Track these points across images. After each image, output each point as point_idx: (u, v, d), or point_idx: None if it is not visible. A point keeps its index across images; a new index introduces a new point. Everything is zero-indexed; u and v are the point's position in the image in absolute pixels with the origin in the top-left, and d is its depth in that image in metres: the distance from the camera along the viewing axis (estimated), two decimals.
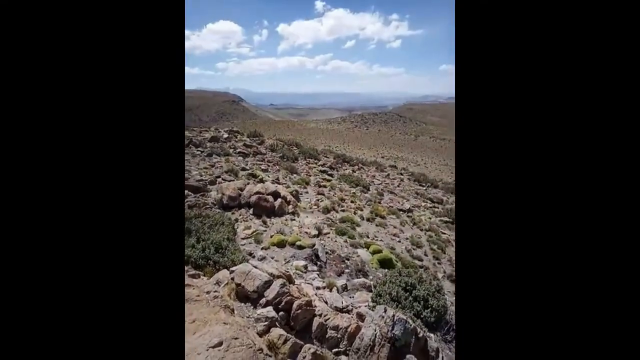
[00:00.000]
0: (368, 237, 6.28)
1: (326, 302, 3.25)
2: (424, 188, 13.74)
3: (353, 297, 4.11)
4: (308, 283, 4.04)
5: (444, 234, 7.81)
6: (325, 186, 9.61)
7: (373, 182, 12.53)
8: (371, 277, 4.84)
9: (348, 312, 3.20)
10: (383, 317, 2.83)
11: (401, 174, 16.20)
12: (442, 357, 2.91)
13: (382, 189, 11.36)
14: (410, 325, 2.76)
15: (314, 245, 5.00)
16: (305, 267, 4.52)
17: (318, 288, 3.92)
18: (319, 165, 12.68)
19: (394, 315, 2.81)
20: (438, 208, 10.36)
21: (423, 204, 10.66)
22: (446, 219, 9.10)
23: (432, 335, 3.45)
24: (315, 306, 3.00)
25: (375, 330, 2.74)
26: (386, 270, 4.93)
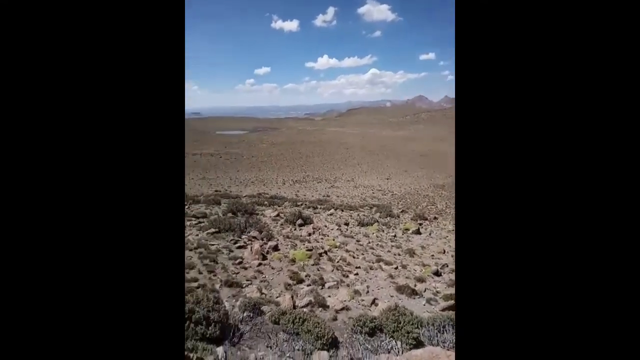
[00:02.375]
0: None
1: None
2: (186, 206, 13.31)
3: None
4: None
5: (213, 244, 8.03)
6: None
7: None
8: None
9: None
10: None
11: None
12: None
13: None
14: None
15: None
16: None
17: None
18: None
19: None
20: (204, 222, 10.46)
21: (188, 222, 10.31)
22: (212, 229, 9.37)
23: (218, 348, 3.43)
24: None
25: None
26: None
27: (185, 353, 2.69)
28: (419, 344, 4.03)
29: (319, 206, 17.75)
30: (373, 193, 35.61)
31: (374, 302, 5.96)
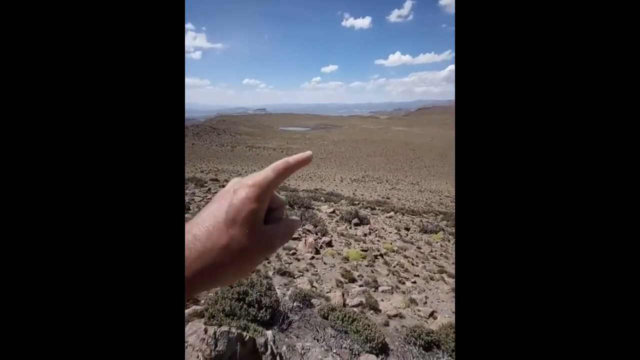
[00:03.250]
0: None
1: None
2: None
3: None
4: None
5: None
6: None
7: (193, 200, 11.59)
8: (202, 301, 4.47)
9: None
10: (204, 339, 2.63)
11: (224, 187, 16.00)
12: (271, 348, 3.06)
13: (204, 205, 10.70)
14: (234, 333, 2.72)
15: None
16: None
17: None
18: None
19: (215, 332, 2.67)
20: None
21: None
22: None
23: (268, 332, 3.58)
24: None
25: (198, 357, 2.51)
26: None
27: (236, 331, 2.86)
28: None
29: (377, 207, 17.30)
30: (440, 199, 33.17)
31: (432, 314, 5.52)
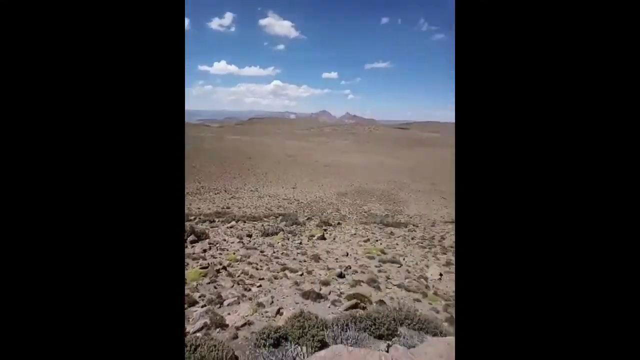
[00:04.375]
0: None
1: None
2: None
3: None
4: None
5: None
6: None
7: None
8: None
9: None
10: None
11: None
12: None
13: None
14: None
15: None
16: None
17: None
18: None
19: None
20: None
21: None
22: None
23: None
24: None
25: None
26: None
27: None
28: (323, 346, 4.13)
29: (216, 219, 16.56)
30: (279, 202, 35.75)
31: (278, 312, 5.84)
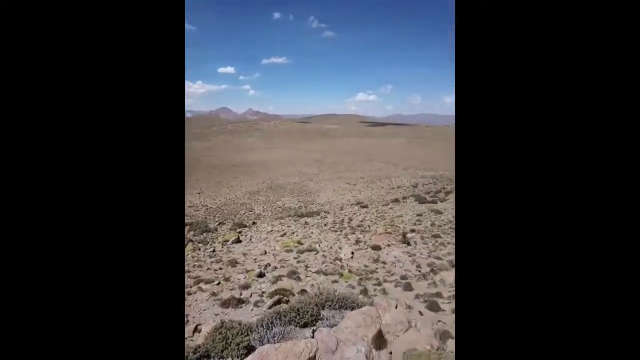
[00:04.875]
0: None
1: None
2: None
3: None
4: None
5: None
6: None
7: None
8: None
9: None
10: None
11: None
12: None
13: None
14: None
15: None
16: None
17: None
18: None
19: None
20: None
21: None
22: None
23: None
24: None
25: None
26: None
27: None
28: (250, 350, 3.99)
29: None
30: (185, 212, 32.47)
31: (196, 329, 5.35)
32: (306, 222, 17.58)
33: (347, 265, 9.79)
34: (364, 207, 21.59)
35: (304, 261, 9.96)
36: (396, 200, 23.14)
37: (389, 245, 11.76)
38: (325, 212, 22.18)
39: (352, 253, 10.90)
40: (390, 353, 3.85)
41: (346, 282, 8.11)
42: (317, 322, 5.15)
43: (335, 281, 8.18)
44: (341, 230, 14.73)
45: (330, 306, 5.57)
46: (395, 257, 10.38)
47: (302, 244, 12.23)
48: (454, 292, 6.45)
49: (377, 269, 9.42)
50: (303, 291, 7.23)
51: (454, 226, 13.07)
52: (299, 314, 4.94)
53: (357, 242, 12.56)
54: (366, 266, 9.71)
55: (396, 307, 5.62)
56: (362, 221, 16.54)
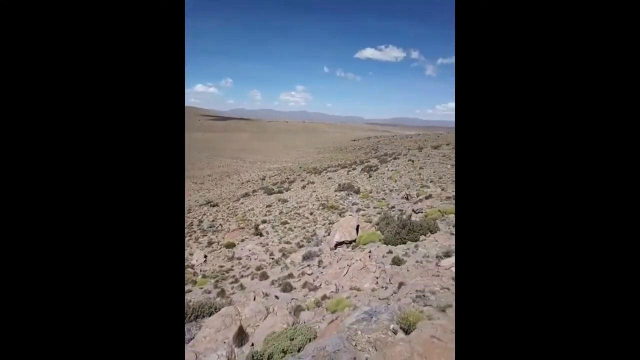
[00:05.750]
0: None
1: None
2: None
3: None
4: None
5: None
6: None
7: None
8: None
9: None
10: None
11: None
12: None
13: None
14: None
15: None
16: None
17: None
18: None
19: None
20: None
21: None
22: None
23: None
24: None
25: None
26: None
27: None
28: None
29: None
30: None
31: None
32: None
33: (201, 271, 9.17)
34: (214, 205, 20.54)
35: None
36: (246, 195, 23.32)
37: (242, 241, 11.82)
38: None
39: (205, 257, 10.27)
40: (252, 345, 4.00)
41: (201, 288, 7.62)
42: None
43: (189, 291, 7.52)
44: (191, 235, 13.50)
45: (187, 319, 5.11)
46: (250, 250, 10.59)
47: None
48: (301, 270, 7.32)
49: (232, 266, 9.31)
50: None
51: (298, 212, 14.61)
52: None
53: (210, 243, 11.91)
54: (221, 266, 9.40)
55: (254, 299, 5.82)
56: (213, 221, 15.72)
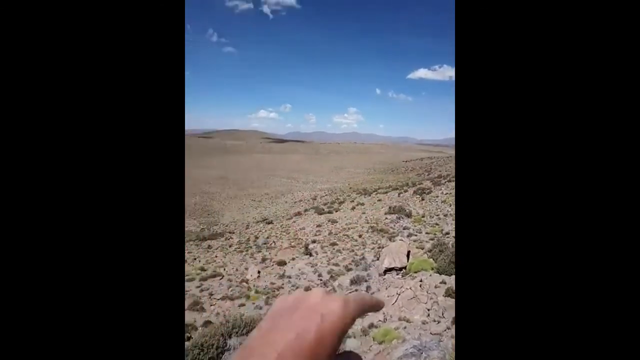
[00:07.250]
0: None
1: None
2: None
3: None
4: None
5: None
6: None
7: None
8: None
9: None
10: None
11: None
12: None
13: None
14: None
15: None
16: None
17: None
18: None
19: None
20: None
21: None
22: None
23: None
24: None
25: None
26: None
27: None
28: None
29: None
30: None
31: None
32: (209, 245, 16.24)
33: (254, 286, 9.54)
34: (269, 223, 21.47)
35: (207, 289, 9.17)
36: (298, 214, 23.93)
37: (293, 259, 12.04)
38: (230, 232, 21.01)
39: (259, 272, 10.68)
40: None
41: (253, 303, 7.89)
42: (223, 353, 4.85)
43: (243, 304, 7.85)
44: (247, 250, 14.24)
45: (237, 333, 5.32)
46: (299, 270, 10.70)
47: (205, 270, 11.23)
48: (349, 292, 7.11)
49: (283, 284, 9.49)
50: (208, 322, 6.66)
51: (347, 233, 14.43)
52: (202, 350, 4.56)
53: (264, 260, 12.39)
54: (272, 283, 9.65)
55: None
56: (267, 238, 16.39)
